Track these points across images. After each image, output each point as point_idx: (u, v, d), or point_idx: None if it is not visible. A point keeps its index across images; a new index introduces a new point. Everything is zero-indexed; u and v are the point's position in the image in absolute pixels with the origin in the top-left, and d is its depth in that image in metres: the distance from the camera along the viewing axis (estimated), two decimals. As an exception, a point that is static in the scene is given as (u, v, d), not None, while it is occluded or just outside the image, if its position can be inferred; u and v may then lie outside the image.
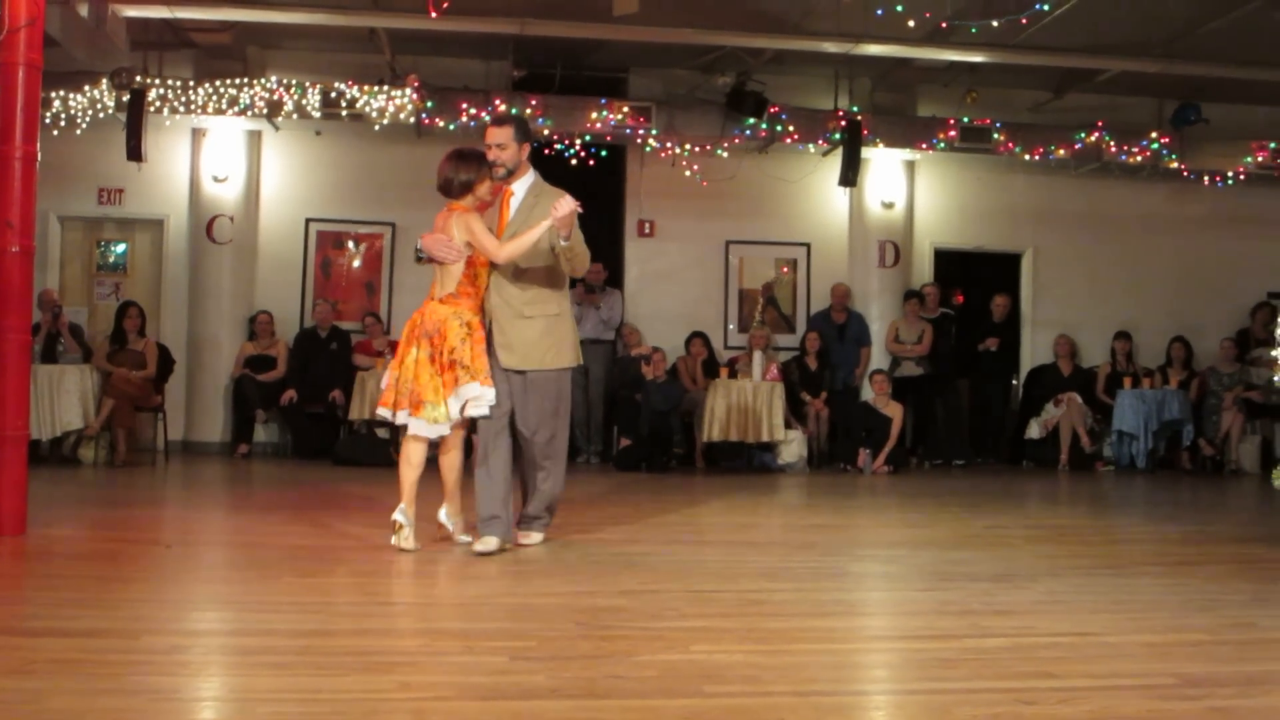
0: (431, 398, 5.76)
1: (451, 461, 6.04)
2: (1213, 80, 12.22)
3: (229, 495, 9.14)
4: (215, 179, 12.47)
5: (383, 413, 5.96)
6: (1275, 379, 6.74)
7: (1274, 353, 6.71)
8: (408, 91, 11.86)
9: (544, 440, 6.01)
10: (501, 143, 5.91)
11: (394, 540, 5.78)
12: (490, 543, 5.81)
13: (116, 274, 12.87)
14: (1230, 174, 13.13)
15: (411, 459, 5.88)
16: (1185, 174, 13.22)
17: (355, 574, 5.34)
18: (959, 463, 12.64)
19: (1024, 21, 9.69)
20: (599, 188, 12.40)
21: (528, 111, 11.98)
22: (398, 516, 5.80)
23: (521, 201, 5.98)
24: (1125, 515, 8.99)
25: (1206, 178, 13.28)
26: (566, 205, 5.59)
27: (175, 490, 9.49)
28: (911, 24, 9.95)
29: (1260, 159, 12.79)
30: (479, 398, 5.81)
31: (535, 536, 6.14)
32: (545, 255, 5.86)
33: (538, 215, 5.78)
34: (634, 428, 11.65)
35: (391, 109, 11.86)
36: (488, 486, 5.90)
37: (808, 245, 13.55)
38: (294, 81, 11.87)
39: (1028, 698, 3.31)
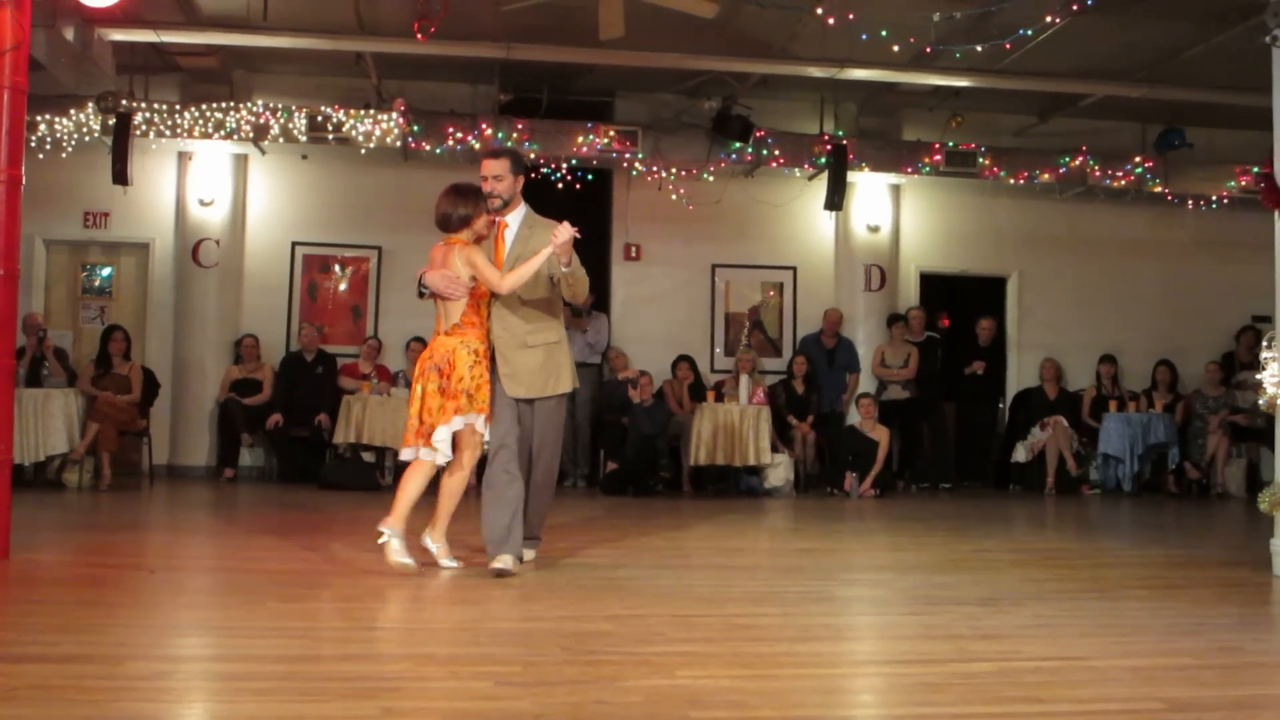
0: (442, 423, 5.88)
1: (453, 487, 6.04)
2: (1196, 105, 12.32)
3: (214, 519, 9.09)
4: (201, 202, 12.46)
5: (406, 454, 6.04)
6: (1260, 402, 6.73)
7: (1259, 376, 6.70)
8: (394, 115, 11.88)
9: (546, 464, 6.23)
10: (498, 174, 6.07)
11: (390, 558, 5.79)
12: (506, 560, 5.87)
13: (102, 298, 12.85)
14: (1214, 198, 13.20)
15: (414, 478, 5.97)
16: (1169, 198, 13.29)
17: (340, 598, 5.31)
18: (945, 486, 12.66)
19: (1008, 46, 9.75)
20: (585, 211, 12.40)
21: (514, 136, 12.02)
22: (383, 529, 5.85)
23: (517, 233, 6.14)
24: (1111, 539, 9.01)
25: (1190, 202, 13.36)
26: (565, 232, 5.76)
27: (160, 514, 9.44)
28: (896, 49, 9.99)
29: (1244, 183, 12.86)
30: (474, 427, 5.93)
31: (529, 554, 6.23)
32: (545, 285, 6.06)
33: (534, 246, 5.97)
34: (620, 451, 11.64)
35: (378, 133, 11.88)
36: (495, 509, 5.95)
37: (794, 269, 13.58)
38: (280, 105, 11.89)
39: (1014, 722, 3.30)
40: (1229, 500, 12.11)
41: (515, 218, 6.19)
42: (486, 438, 6.02)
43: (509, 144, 11.95)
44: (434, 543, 6.08)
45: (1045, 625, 4.90)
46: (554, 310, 6.21)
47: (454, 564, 6.05)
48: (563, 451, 12.55)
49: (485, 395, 5.93)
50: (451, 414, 5.87)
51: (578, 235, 5.82)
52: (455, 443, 5.96)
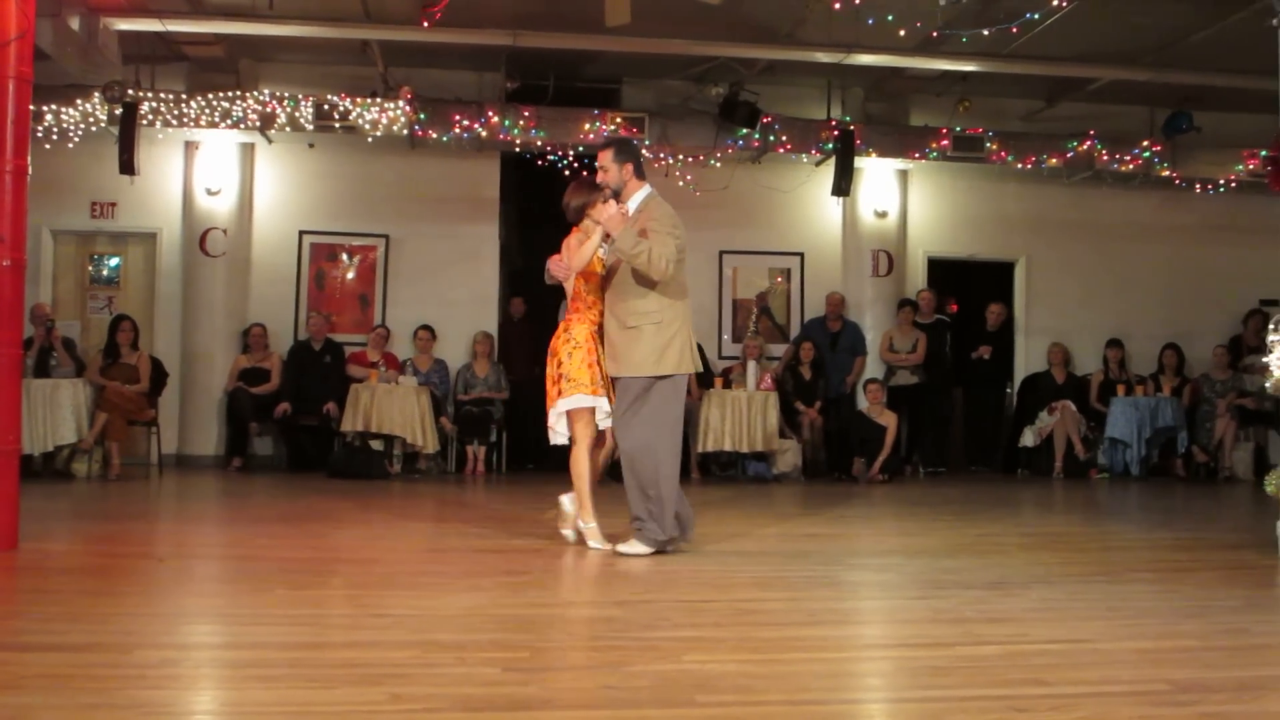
0: (551, 407, 6.28)
1: (573, 466, 6.32)
2: (1204, 88, 12.28)
3: (222, 508, 9.12)
4: (208, 192, 12.47)
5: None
6: (1267, 385, 6.73)
7: (1266, 359, 6.69)
8: (400, 104, 11.88)
9: (632, 447, 6.10)
10: (603, 165, 6.29)
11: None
12: (634, 546, 6.14)
13: (110, 287, 12.87)
14: (1222, 182, 13.18)
15: (574, 467, 6.33)
16: (1177, 182, 13.27)
17: (348, 586, 5.32)
18: (939, 470, 12.70)
19: (1014, 31, 9.73)
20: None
21: (521, 123, 12.01)
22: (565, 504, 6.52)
23: (632, 218, 6.17)
24: (1119, 522, 9.00)
25: (1198, 186, 13.33)
26: (605, 211, 6.04)
27: (168, 504, 9.47)
28: (903, 34, 9.98)
29: (1251, 166, 12.83)
30: (593, 408, 6.19)
31: (635, 546, 6.17)
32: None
33: (640, 228, 6.07)
34: (628, 438, 11.63)
35: (384, 121, 11.88)
36: (630, 490, 6.20)
37: (801, 255, 13.57)
38: (287, 94, 11.89)
39: (1020, 705, 3.30)
40: (1236, 484, 12.10)
41: (633, 203, 6.25)
42: (602, 416, 6.23)
43: (516, 131, 11.98)
44: (583, 523, 6.39)
45: (1052, 608, 4.90)
46: (666, 291, 6.11)
47: (601, 545, 6.28)
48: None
49: (585, 377, 6.14)
50: (555, 398, 6.22)
51: (625, 213, 6.04)
52: (570, 423, 6.27)
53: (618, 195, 6.23)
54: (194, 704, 3.37)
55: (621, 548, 6.17)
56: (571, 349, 6.19)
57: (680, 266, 6.15)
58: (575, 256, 6.17)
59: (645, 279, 6.06)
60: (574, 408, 6.20)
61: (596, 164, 6.35)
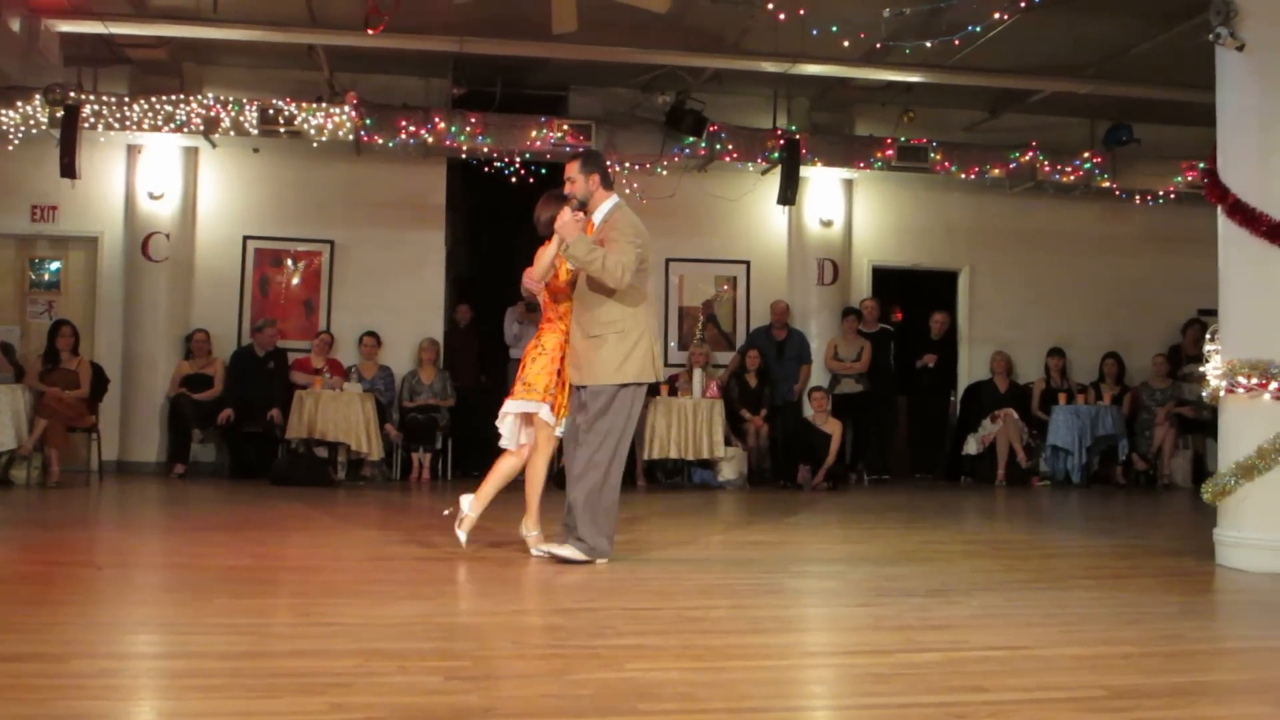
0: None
1: (531, 473, 6.41)
2: (1144, 101, 12.47)
3: (164, 516, 9.02)
4: (151, 196, 12.34)
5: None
6: (1204, 394, 6.84)
7: (1203, 368, 6.80)
8: (346, 109, 11.81)
9: (585, 456, 6.14)
10: (570, 176, 6.33)
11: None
12: (568, 550, 6.12)
13: (50, 292, 12.70)
14: (1161, 193, 13.38)
15: (529, 472, 6.44)
16: (1117, 193, 13.46)
17: (291, 595, 5.29)
18: (884, 478, 12.80)
19: (957, 43, 9.82)
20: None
21: (467, 130, 11.98)
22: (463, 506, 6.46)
23: (597, 228, 6.25)
24: (1059, 529, 9.10)
25: (1138, 197, 13.53)
26: (561, 218, 6.07)
27: (109, 511, 9.36)
28: (847, 44, 10.06)
29: (1190, 178, 13.02)
30: (538, 413, 6.27)
31: (564, 550, 6.15)
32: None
33: (600, 238, 6.14)
34: (574, 445, 11.63)
35: (330, 126, 11.81)
36: (573, 497, 6.22)
37: (747, 263, 13.63)
38: (231, 98, 11.80)
39: (959, 711, 3.33)
40: (1175, 491, 12.27)
41: (599, 214, 6.31)
42: (554, 427, 6.33)
43: (463, 138, 11.95)
44: (525, 530, 6.45)
45: (993, 615, 4.95)
46: (624, 300, 6.14)
47: (542, 551, 6.25)
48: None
49: (541, 384, 6.25)
50: (509, 400, 6.32)
51: (579, 218, 6.09)
52: (534, 430, 6.36)
53: (584, 206, 6.27)
54: (132, 714, 3.34)
55: (557, 550, 6.14)
56: (537, 354, 6.31)
57: (643, 275, 6.20)
58: (536, 267, 6.25)
59: (603, 287, 6.09)
60: (518, 412, 6.30)
61: (564, 175, 6.38)
